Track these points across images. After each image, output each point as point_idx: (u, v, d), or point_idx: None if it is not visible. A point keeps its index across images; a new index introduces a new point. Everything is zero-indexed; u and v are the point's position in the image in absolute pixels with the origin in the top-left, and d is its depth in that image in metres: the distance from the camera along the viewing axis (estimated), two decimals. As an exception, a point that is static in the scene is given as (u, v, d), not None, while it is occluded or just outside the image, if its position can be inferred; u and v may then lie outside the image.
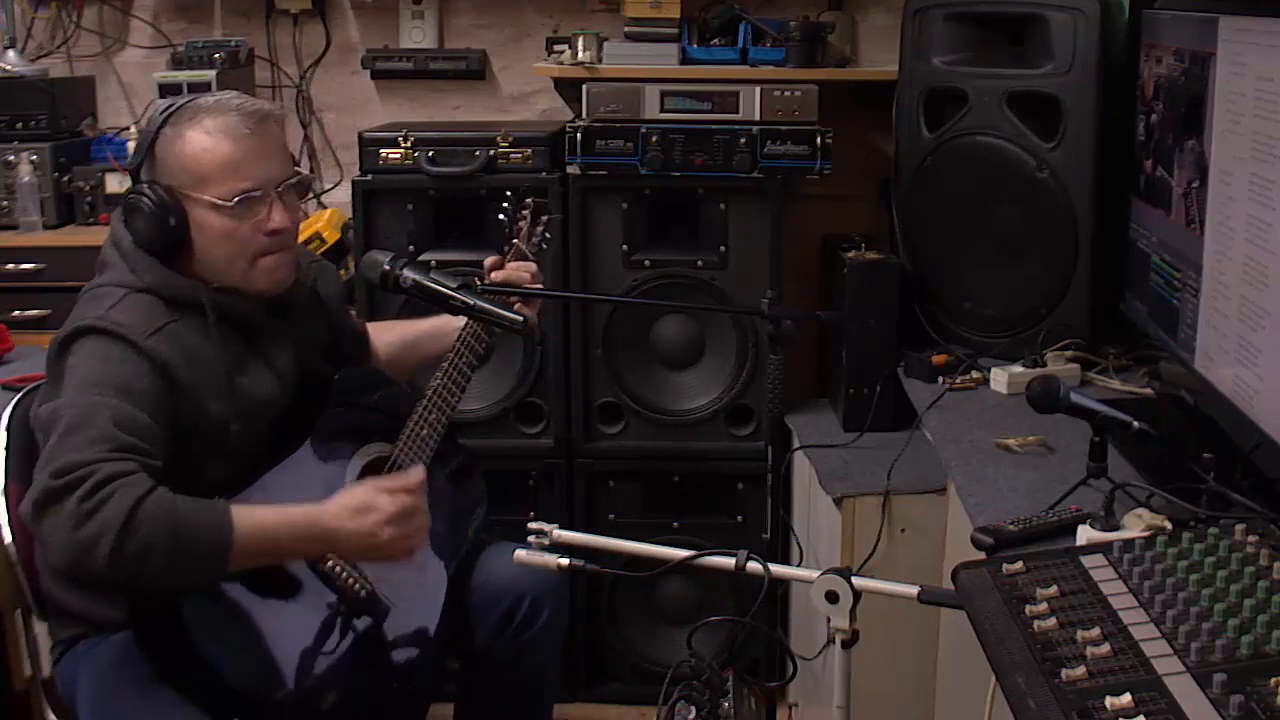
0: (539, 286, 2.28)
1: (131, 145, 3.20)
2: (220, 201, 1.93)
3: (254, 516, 1.81)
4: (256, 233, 1.96)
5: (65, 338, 1.87)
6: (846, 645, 1.77)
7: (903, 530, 2.57)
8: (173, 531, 1.71)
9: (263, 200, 1.96)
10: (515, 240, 2.27)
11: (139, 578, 1.73)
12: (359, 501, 1.90)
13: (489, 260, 2.26)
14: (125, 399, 1.79)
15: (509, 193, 2.30)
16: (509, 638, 2.20)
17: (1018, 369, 2.41)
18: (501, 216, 2.28)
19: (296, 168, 2.13)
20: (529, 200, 2.29)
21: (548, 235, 2.33)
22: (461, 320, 2.17)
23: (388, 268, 2.10)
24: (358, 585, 1.98)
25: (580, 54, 2.95)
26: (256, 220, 1.95)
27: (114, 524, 1.67)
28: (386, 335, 2.40)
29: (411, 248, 2.85)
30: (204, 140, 1.93)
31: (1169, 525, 1.58)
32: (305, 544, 1.88)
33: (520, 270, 2.25)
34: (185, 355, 1.90)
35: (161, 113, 1.97)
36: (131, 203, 1.94)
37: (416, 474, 1.96)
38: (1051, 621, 1.34)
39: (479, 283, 2.15)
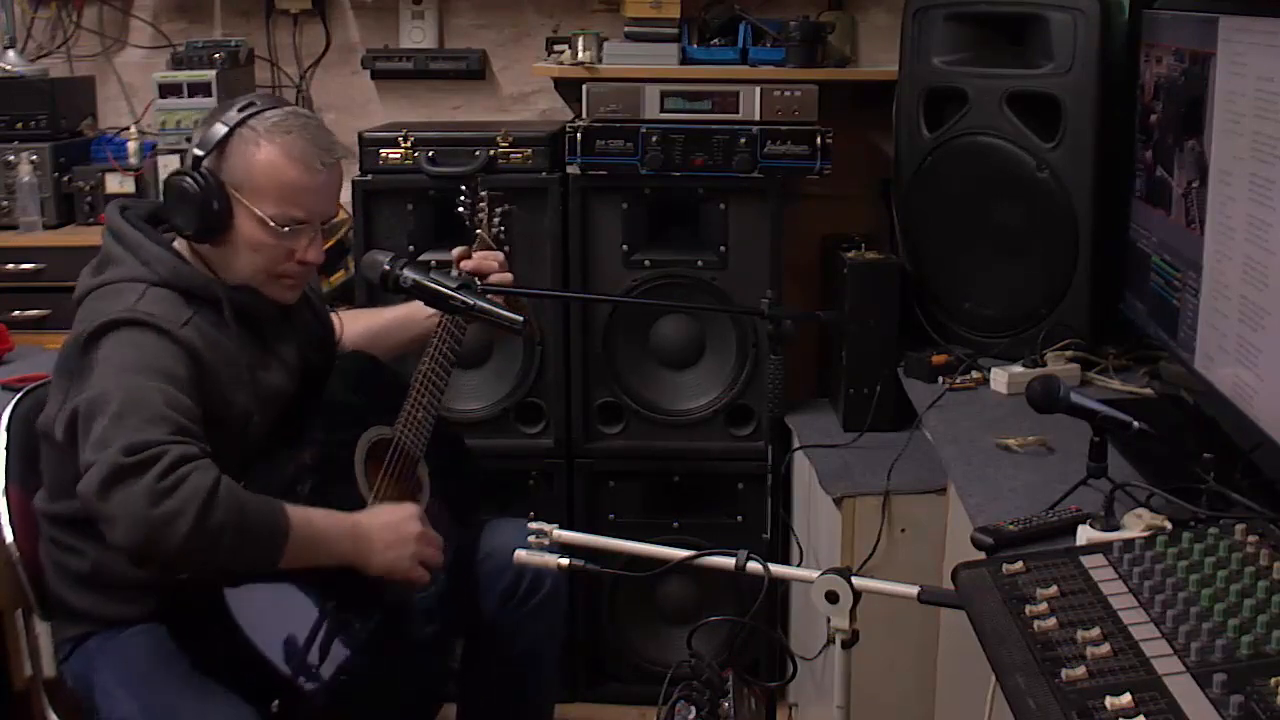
0: (508, 274, 2.32)
1: (133, 145, 3.22)
2: (271, 221, 1.95)
3: (302, 513, 1.87)
4: (288, 258, 2.00)
5: (92, 333, 1.85)
6: (846, 645, 1.77)
7: (903, 530, 2.57)
8: (242, 518, 1.76)
9: (306, 232, 1.99)
10: (479, 231, 2.31)
11: (206, 558, 1.75)
12: (395, 511, 2.02)
13: (456, 251, 2.31)
14: (170, 383, 1.81)
15: (464, 187, 2.34)
16: (512, 608, 2.25)
17: (1018, 369, 2.42)
18: (460, 209, 2.32)
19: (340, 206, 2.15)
20: (484, 193, 2.33)
21: (504, 226, 2.37)
22: (428, 310, 2.21)
23: (388, 268, 2.12)
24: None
25: (580, 54, 2.95)
26: (293, 247, 1.99)
27: (194, 503, 1.70)
28: (354, 325, 2.41)
29: (411, 248, 2.85)
30: (281, 160, 1.95)
31: (1169, 525, 1.58)
32: (344, 541, 1.94)
33: (489, 259, 2.29)
34: (211, 347, 1.92)
35: (240, 110, 1.96)
36: (187, 182, 1.93)
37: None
38: (1051, 621, 1.34)
39: (478, 283, 2.17)
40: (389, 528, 1.98)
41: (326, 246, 2.08)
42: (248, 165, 1.95)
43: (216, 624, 1.85)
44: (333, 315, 2.36)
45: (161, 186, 1.99)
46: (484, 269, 2.27)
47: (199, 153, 1.95)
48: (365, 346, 2.38)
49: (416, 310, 2.31)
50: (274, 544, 1.81)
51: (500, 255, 2.32)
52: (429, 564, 2.03)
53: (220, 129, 1.95)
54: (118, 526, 1.70)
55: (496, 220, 2.35)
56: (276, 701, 1.86)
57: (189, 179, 1.94)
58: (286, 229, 1.96)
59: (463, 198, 2.33)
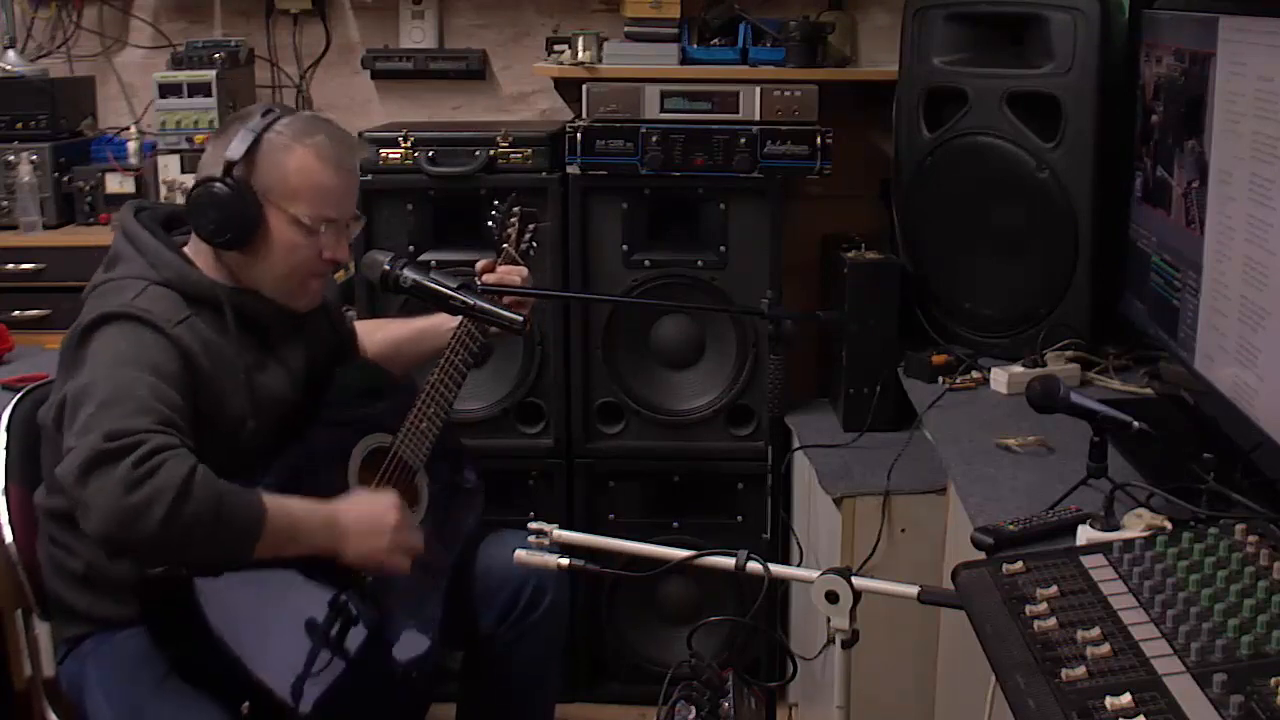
0: (529, 288, 2.32)
1: (133, 145, 3.23)
2: (306, 221, 1.97)
3: (280, 503, 1.86)
4: (317, 257, 2.01)
5: (87, 325, 1.87)
6: (846, 645, 1.77)
7: (903, 530, 2.57)
8: (218, 507, 1.75)
9: (335, 232, 2.02)
10: (505, 245, 2.30)
11: (179, 548, 1.76)
12: (374, 501, 2.00)
13: (481, 264, 2.30)
14: (158, 377, 1.82)
15: (496, 202, 2.33)
16: (512, 624, 2.25)
17: (1018, 369, 2.41)
18: (490, 224, 2.31)
19: None
20: (517, 208, 2.32)
21: (535, 243, 2.36)
22: (453, 321, 2.20)
23: (388, 268, 2.12)
24: (365, 573, 2.02)
25: (580, 54, 2.95)
26: (322, 246, 2.01)
27: (169, 491, 1.70)
28: (376, 335, 2.42)
29: (411, 248, 2.85)
30: (314, 163, 1.98)
31: (1169, 525, 1.58)
32: (320, 532, 1.92)
33: (511, 274, 2.29)
34: (206, 348, 1.92)
35: (264, 115, 1.98)
36: (217, 190, 1.94)
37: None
38: (1051, 621, 1.34)
39: (478, 283, 2.17)
40: (364, 518, 1.97)
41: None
42: (282, 170, 1.97)
43: (196, 627, 1.84)
44: (354, 325, 2.37)
45: (190, 192, 1.98)
46: (506, 284, 2.26)
47: (232, 157, 1.95)
48: (389, 356, 2.38)
49: (442, 321, 2.30)
50: (250, 533, 1.80)
51: (525, 271, 2.31)
52: (409, 552, 2.02)
53: (248, 136, 1.96)
54: (93, 513, 1.71)
55: (527, 237, 2.33)
56: (246, 704, 1.85)
57: (221, 186, 1.94)
58: (321, 229, 1.99)
59: (494, 211, 2.32)
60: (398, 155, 2.88)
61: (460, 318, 2.18)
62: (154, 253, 1.96)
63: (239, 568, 1.85)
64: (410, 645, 2.08)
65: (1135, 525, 1.60)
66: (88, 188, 3.21)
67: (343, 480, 2.08)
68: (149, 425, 1.75)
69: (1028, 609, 1.38)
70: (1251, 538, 1.43)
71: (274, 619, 1.91)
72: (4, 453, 2.11)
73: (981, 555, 1.64)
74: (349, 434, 2.12)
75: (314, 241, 2.00)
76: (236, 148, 1.96)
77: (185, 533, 1.72)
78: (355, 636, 1.99)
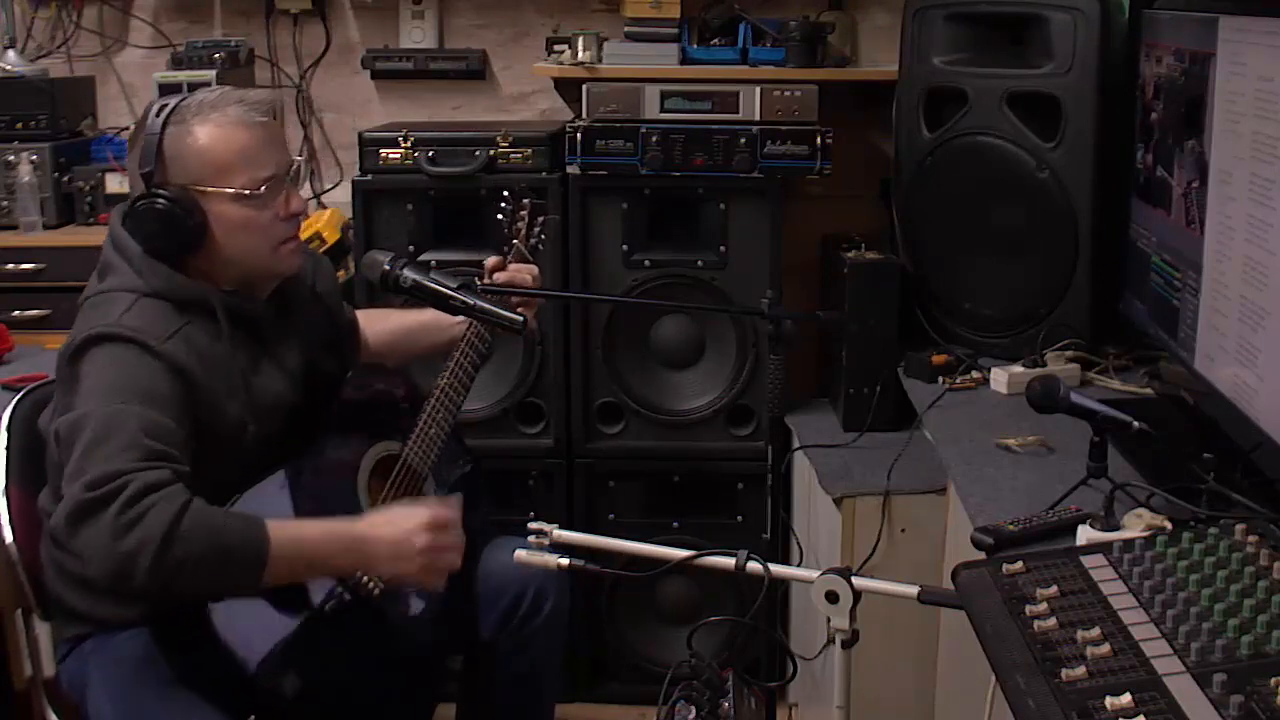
0: (539, 288, 2.30)
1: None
2: (245, 191, 1.93)
3: (290, 529, 1.82)
4: (276, 219, 1.97)
5: (77, 347, 1.84)
6: (846, 645, 1.77)
7: (903, 530, 2.57)
8: (211, 544, 1.72)
9: (280, 186, 1.98)
10: (515, 241, 2.29)
11: (178, 588, 1.73)
12: (397, 514, 1.94)
13: (490, 261, 2.28)
14: (149, 405, 1.78)
15: (506, 193, 2.32)
16: (513, 629, 2.23)
17: (1018, 369, 2.42)
18: (500, 217, 2.30)
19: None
20: (526, 201, 2.31)
21: (544, 236, 2.35)
22: (457, 316, 2.19)
23: (388, 268, 2.11)
24: (372, 584, 1.99)
25: (580, 54, 2.95)
26: (276, 207, 1.97)
27: (155, 537, 1.67)
28: (379, 325, 2.40)
29: (411, 248, 2.85)
30: (218, 132, 1.93)
31: (1169, 525, 1.58)
32: (342, 556, 1.88)
33: (522, 272, 2.28)
34: (200, 358, 1.89)
35: (158, 114, 1.94)
36: (144, 208, 1.90)
37: (453, 506, 1.97)
38: (1051, 621, 1.34)
39: (479, 283, 2.17)
40: (393, 543, 1.89)
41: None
42: (195, 154, 1.92)
43: (201, 632, 1.83)
44: (355, 314, 2.35)
45: (126, 223, 1.93)
46: (516, 282, 2.25)
47: (146, 168, 1.91)
48: (393, 347, 2.37)
49: (444, 315, 2.25)
50: (253, 564, 1.76)
51: (535, 269, 2.29)
52: (441, 562, 1.96)
53: (151, 140, 1.92)
54: (89, 563, 1.70)
55: (536, 231, 2.32)
56: (252, 717, 1.85)
57: (149, 200, 1.90)
58: (263, 190, 1.94)
59: (503, 205, 2.30)
60: (398, 155, 2.88)
61: (468, 318, 2.18)
62: (140, 262, 1.92)
63: (253, 594, 1.82)
64: (420, 597, 2.06)
65: (1135, 525, 1.60)
66: (88, 188, 3.21)
67: (352, 489, 2.06)
68: (135, 464, 1.71)
69: (1028, 609, 1.38)
70: (1251, 538, 1.43)
71: (277, 619, 1.90)
72: (4, 453, 2.11)
73: (981, 555, 1.64)
74: (358, 442, 2.10)
75: (263, 209, 1.95)
76: (146, 157, 1.92)
77: (176, 574, 1.69)
78: (356, 621, 1.97)
